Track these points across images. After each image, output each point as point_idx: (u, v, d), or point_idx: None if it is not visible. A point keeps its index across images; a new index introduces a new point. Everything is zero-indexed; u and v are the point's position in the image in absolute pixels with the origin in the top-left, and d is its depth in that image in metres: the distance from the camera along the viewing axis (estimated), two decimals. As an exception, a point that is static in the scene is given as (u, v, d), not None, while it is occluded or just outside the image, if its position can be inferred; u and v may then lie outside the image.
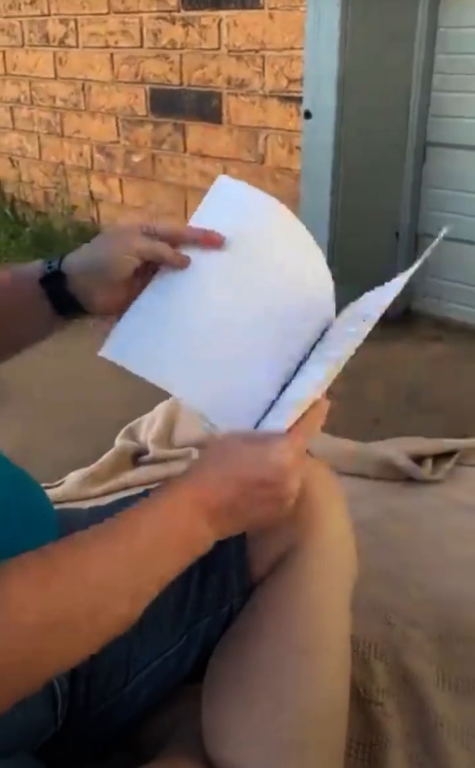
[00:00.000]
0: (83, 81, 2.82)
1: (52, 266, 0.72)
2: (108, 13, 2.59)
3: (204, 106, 2.43)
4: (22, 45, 2.99)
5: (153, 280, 0.69)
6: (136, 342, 0.67)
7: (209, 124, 2.43)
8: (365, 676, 0.97)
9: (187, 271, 0.68)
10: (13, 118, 3.24)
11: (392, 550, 1.24)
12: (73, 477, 1.45)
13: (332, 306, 0.73)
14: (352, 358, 0.64)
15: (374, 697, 0.94)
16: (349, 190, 2.11)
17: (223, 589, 0.74)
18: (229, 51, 2.28)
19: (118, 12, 2.56)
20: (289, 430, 0.61)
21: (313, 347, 0.71)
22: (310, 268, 0.72)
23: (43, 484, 0.80)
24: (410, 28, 2.08)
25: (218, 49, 2.31)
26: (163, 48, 2.47)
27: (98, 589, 0.53)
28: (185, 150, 2.55)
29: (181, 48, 2.41)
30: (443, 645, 1.03)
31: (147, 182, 2.74)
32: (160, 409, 1.65)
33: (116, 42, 2.61)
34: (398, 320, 2.33)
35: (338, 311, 0.73)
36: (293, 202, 2.24)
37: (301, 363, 0.71)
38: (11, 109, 3.22)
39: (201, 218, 0.70)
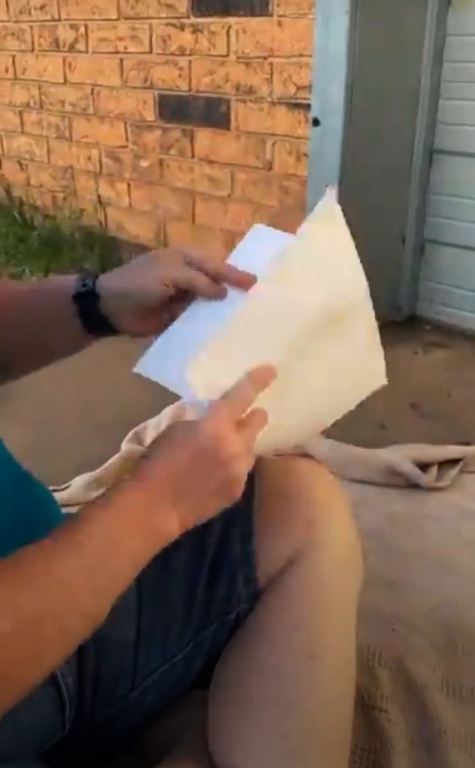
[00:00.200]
0: (92, 86, 2.83)
1: (87, 285, 0.72)
2: (118, 19, 2.61)
3: (212, 112, 2.44)
4: (32, 50, 3.01)
5: (192, 304, 0.69)
6: (170, 361, 0.66)
7: (217, 130, 2.45)
8: (369, 683, 0.97)
9: (224, 301, 0.68)
10: (22, 122, 3.26)
11: (396, 557, 1.25)
12: (78, 481, 1.46)
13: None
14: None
15: (378, 703, 0.94)
16: (355, 197, 2.11)
17: (230, 595, 0.75)
18: (238, 58, 2.29)
19: (127, 18, 2.57)
20: (212, 406, 0.62)
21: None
22: (350, 287, 0.72)
23: (50, 488, 0.81)
24: (418, 36, 2.09)
25: (227, 55, 2.32)
26: (172, 54, 2.48)
27: (59, 591, 0.54)
28: (193, 155, 2.56)
29: (190, 54, 2.43)
30: (447, 652, 1.04)
31: (155, 187, 2.75)
32: (167, 413, 1.66)
33: (126, 48, 2.63)
34: (401, 326, 2.33)
35: None
36: (300, 209, 2.25)
37: None
38: (20, 113, 3.24)
39: (237, 259, 0.70)
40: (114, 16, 2.61)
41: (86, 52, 2.78)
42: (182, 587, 0.76)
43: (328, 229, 0.69)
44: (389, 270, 2.32)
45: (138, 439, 1.62)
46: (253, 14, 2.19)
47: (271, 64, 2.22)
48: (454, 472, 1.48)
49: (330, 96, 2.02)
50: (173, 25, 2.44)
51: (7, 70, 3.19)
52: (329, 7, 1.94)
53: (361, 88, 2.00)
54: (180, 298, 0.70)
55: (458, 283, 2.31)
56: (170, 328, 0.69)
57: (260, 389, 0.64)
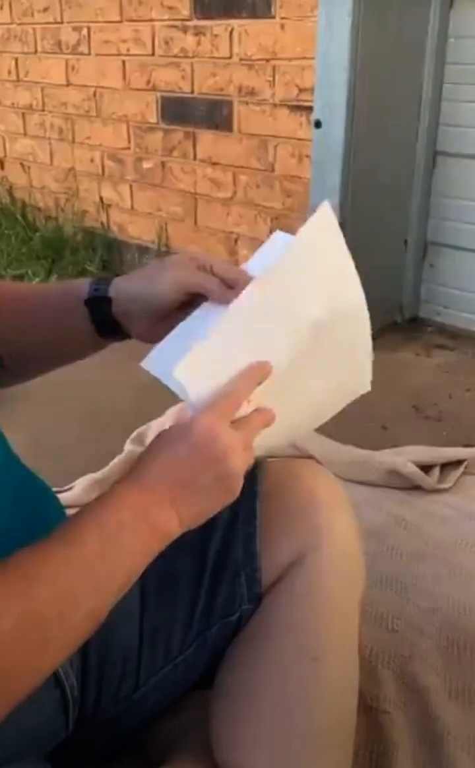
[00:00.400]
0: (95, 88, 2.84)
1: (99, 289, 0.72)
2: (121, 22, 2.61)
3: (215, 114, 2.44)
4: (35, 52, 3.02)
5: (202, 306, 0.69)
6: (171, 361, 0.66)
7: (220, 132, 2.45)
8: (372, 684, 0.97)
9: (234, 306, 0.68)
10: (25, 124, 3.26)
11: (398, 559, 1.25)
12: (82, 482, 1.46)
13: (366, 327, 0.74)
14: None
15: (381, 705, 0.94)
16: (358, 199, 2.12)
17: (234, 596, 0.75)
18: (241, 60, 2.30)
19: (130, 20, 2.58)
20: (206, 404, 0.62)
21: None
22: (343, 296, 0.72)
23: (53, 489, 0.81)
24: (421, 38, 2.09)
25: (230, 58, 2.32)
26: (175, 56, 2.49)
27: (62, 591, 0.54)
28: (195, 157, 2.57)
29: (193, 56, 2.43)
30: (450, 654, 1.04)
31: (157, 189, 2.76)
32: (170, 414, 1.66)
33: (128, 50, 2.64)
34: (404, 328, 2.34)
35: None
36: (302, 211, 2.25)
37: None
38: (23, 115, 3.25)
39: (253, 266, 0.71)
40: (117, 19, 2.62)
41: (89, 54, 2.79)
42: (185, 588, 0.76)
43: (323, 238, 0.70)
44: (392, 272, 2.32)
45: (141, 440, 1.62)
46: (255, 16, 2.20)
47: (273, 66, 2.22)
48: (456, 473, 1.48)
49: (332, 98, 2.02)
50: (176, 28, 2.44)
51: (9, 72, 3.20)
52: (332, 9, 1.94)
53: (363, 90, 2.00)
54: (192, 305, 0.70)
55: (461, 285, 2.31)
56: (178, 327, 0.69)
57: (254, 385, 0.64)
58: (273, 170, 2.34)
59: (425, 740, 0.90)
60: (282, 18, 2.14)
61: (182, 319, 0.69)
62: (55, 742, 0.73)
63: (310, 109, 2.11)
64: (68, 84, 2.94)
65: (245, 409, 0.65)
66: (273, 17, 2.15)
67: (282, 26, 2.15)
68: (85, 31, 2.76)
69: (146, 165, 2.77)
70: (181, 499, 0.60)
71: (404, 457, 1.48)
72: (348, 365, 0.76)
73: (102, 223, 3.02)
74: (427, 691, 0.97)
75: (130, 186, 2.87)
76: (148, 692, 0.76)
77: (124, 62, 2.68)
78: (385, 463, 1.47)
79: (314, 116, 2.09)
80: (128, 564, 0.58)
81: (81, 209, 3.08)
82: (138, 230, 2.91)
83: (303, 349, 0.69)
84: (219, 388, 0.64)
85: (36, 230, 3.16)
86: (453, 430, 1.73)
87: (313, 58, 2.05)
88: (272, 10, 2.15)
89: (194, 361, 0.63)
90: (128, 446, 1.59)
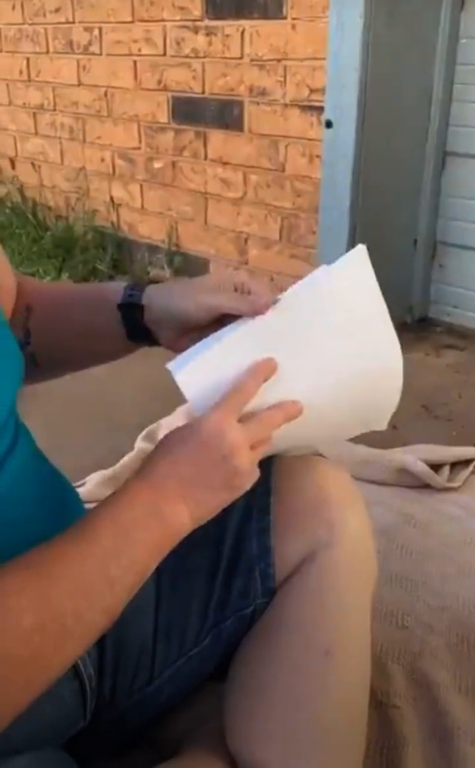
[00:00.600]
0: (106, 88, 2.85)
1: (134, 296, 0.74)
2: (132, 22, 2.63)
3: (225, 114, 2.45)
4: (47, 52, 3.03)
5: (238, 321, 0.70)
6: (200, 372, 0.67)
7: (230, 132, 2.46)
8: (382, 680, 0.98)
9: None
10: (36, 124, 3.28)
11: (408, 556, 1.26)
12: (94, 479, 1.48)
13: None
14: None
15: (392, 700, 0.95)
16: (368, 199, 2.12)
17: (247, 591, 0.76)
18: (252, 60, 2.31)
19: (142, 20, 2.59)
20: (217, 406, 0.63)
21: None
22: (374, 338, 0.73)
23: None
24: (432, 38, 2.10)
25: (241, 58, 2.33)
26: (186, 56, 2.50)
27: (78, 586, 0.56)
28: (206, 157, 2.58)
29: (204, 57, 2.44)
30: (460, 651, 1.04)
31: (167, 188, 2.77)
32: (180, 412, 1.67)
33: (139, 50, 2.65)
34: (413, 328, 2.34)
35: None
36: (313, 211, 2.26)
37: None
38: (34, 114, 3.26)
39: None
40: (128, 19, 2.63)
41: (100, 54, 2.80)
42: (199, 582, 0.77)
43: (354, 277, 0.71)
44: (401, 272, 2.33)
45: (151, 437, 1.63)
46: (266, 17, 2.21)
47: (284, 66, 2.23)
48: (466, 472, 1.48)
49: (343, 98, 2.03)
50: (187, 28, 2.45)
51: (21, 72, 3.21)
52: (343, 10, 1.95)
53: (374, 90, 2.01)
54: (223, 322, 0.70)
55: (470, 285, 2.31)
56: (209, 337, 0.69)
57: (260, 382, 0.65)
58: (283, 170, 2.35)
59: (435, 735, 0.91)
60: (293, 18, 2.14)
61: (212, 331, 0.70)
62: (73, 731, 0.74)
63: (321, 109, 2.12)
64: (79, 84, 2.96)
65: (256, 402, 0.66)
66: (284, 18, 2.16)
67: (293, 27, 2.15)
68: (96, 32, 2.77)
69: (157, 165, 2.78)
70: (191, 496, 0.61)
71: (414, 456, 1.48)
72: (373, 399, 0.76)
73: (112, 223, 3.04)
74: (437, 686, 0.98)
75: (141, 185, 2.88)
76: (163, 684, 0.77)
77: (135, 62, 2.69)
78: (395, 461, 1.47)
79: (324, 116, 2.09)
80: (142, 560, 0.60)
81: (91, 208, 3.10)
82: (148, 230, 2.92)
83: (329, 377, 0.70)
84: (218, 397, 0.65)
85: (47, 229, 3.18)
86: (463, 430, 1.74)
87: (324, 59, 2.06)
88: (284, 10, 2.16)
89: (197, 369, 0.65)
90: (139, 443, 1.61)
